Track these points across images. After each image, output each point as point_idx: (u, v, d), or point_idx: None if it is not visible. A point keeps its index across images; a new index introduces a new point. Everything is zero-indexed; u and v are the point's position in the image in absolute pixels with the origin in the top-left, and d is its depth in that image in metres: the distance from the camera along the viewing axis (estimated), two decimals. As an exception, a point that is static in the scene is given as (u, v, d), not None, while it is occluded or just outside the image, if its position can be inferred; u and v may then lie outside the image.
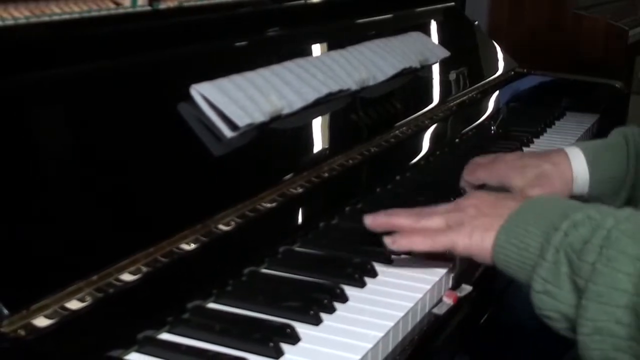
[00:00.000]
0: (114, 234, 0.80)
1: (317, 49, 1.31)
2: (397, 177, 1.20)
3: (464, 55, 1.72)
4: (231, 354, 0.71)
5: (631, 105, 2.24)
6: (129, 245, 0.79)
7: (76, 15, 0.91)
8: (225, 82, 1.03)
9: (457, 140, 1.45)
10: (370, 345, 0.74)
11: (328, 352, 0.73)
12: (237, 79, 1.05)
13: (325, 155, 1.13)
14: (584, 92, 1.83)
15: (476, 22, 1.94)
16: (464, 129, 1.50)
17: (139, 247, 0.79)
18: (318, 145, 1.17)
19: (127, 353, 0.71)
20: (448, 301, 0.88)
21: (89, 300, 0.72)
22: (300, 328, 0.75)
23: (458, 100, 1.57)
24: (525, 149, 1.43)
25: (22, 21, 0.85)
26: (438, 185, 1.21)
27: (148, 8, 1.01)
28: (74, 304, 0.71)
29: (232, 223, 0.91)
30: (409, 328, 0.82)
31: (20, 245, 0.72)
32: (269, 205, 0.97)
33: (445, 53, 1.56)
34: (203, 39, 1.10)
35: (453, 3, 1.86)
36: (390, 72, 1.33)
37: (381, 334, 0.76)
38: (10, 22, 0.84)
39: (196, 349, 0.72)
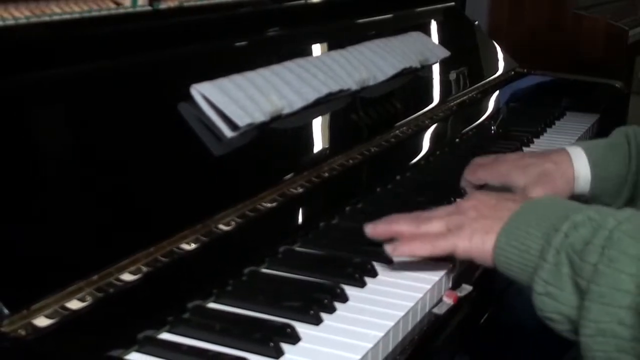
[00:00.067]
0: (114, 234, 0.80)
1: (317, 48, 1.31)
2: (398, 177, 1.20)
3: (464, 55, 1.72)
4: (231, 353, 0.71)
5: (631, 105, 2.24)
6: (129, 245, 0.79)
7: (76, 15, 0.91)
8: (225, 82, 1.03)
9: (457, 140, 1.45)
10: (370, 345, 0.74)
11: (328, 351, 0.73)
12: (238, 79, 1.05)
13: (326, 155, 1.13)
14: (584, 92, 1.83)
15: (476, 22, 1.94)
16: (464, 128, 1.50)
17: (139, 246, 0.79)
18: (318, 145, 1.17)
19: (128, 353, 0.71)
20: (448, 301, 0.88)
21: (89, 300, 0.72)
22: (301, 328, 0.75)
23: (458, 100, 1.57)
24: (525, 149, 1.43)
25: (23, 21, 0.85)
26: (438, 185, 1.21)
27: (148, 8, 1.01)
28: (74, 304, 0.71)
29: (233, 223, 0.91)
30: (409, 328, 0.82)
31: (21, 245, 0.72)
32: (269, 205, 0.97)
33: (445, 53, 1.56)
34: (203, 39, 1.10)
35: (453, 3, 1.86)
36: (391, 72, 1.33)
37: (381, 334, 0.76)
38: (10, 22, 0.84)
39: (196, 349, 0.72)
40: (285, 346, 0.72)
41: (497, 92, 1.75)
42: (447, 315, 0.86)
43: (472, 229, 0.85)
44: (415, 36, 1.52)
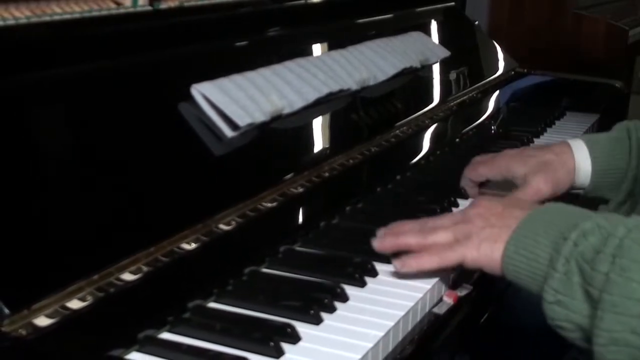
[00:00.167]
0: (115, 234, 0.80)
1: (317, 48, 1.31)
2: (398, 177, 1.21)
3: (464, 55, 1.72)
4: (232, 353, 0.71)
5: (631, 105, 2.24)
6: (129, 245, 0.79)
7: (77, 15, 0.91)
8: (226, 82, 1.03)
9: (457, 140, 1.45)
10: (370, 345, 0.74)
11: (328, 351, 0.73)
12: (238, 79, 1.05)
13: (326, 155, 1.13)
14: (584, 92, 1.83)
15: (476, 22, 1.94)
16: (464, 128, 1.50)
17: (139, 246, 0.80)
18: (319, 144, 1.17)
19: (128, 352, 0.71)
20: (448, 301, 0.88)
21: (89, 299, 0.72)
22: (301, 327, 0.75)
23: (458, 100, 1.57)
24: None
25: (23, 21, 0.85)
26: (438, 185, 1.21)
27: (149, 8, 1.01)
28: (74, 304, 0.71)
29: (233, 222, 0.91)
30: (409, 327, 0.82)
31: (21, 244, 0.72)
32: (269, 204, 0.97)
33: (445, 53, 1.56)
34: (204, 39, 1.10)
35: (453, 3, 1.86)
36: (391, 71, 1.33)
37: (381, 334, 0.76)
38: (11, 21, 0.84)
39: (197, 349, 0.72)
40: (285, 346, 0.72)
41: (497, 92, 1.75)
42: (447, 315, 0.86)
43: (479, 239, 0.85)
44: (415, 36, 1.52)
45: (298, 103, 1.10)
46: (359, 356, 0.72)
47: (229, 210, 0.91)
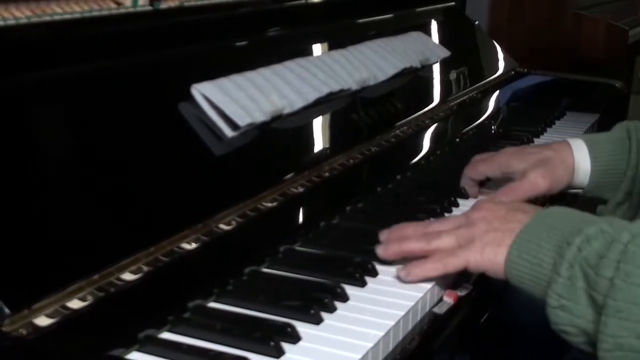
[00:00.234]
0: (115, 234, 0.80)
1: (317, 48, 1.31)
2: (398, 177, 1.21)
3: (465, 55, 1.72)
4: (232, 353, 0.71)
5: (631, 105, 2.24)
6: (130, 245, 0.79)
7: (77, 15, 0.91)
8: (226, 82, 1.03)
9: (457, 139, 1.45)
10: (370, 345, 0.74)
11: (329, 351, 0.73)
12: (238, 79, 1.05)
13: (326, 155, 1.13)
14: (584, 92, 1.83)
15: (476, 22, 1.94)
16: (464, 128, 1.50)
17: (140, 246, 0.80)
18: (319, 144, 1.17)
19: (128, 352, 0.71)
20: (448, 300, 0.88)
21: (90, 299, 0.72)
22: (301, 327, 0.75)
23: (458, 100, 1.57)
24: (525, 148, 1.44)
25: (24, 21, 0.86)
26: (439, 185, 1.21)
27: (149, 8, 1.01)
28: (75, 303, 0.71)
29: (233, 222, 0.91)
30: (410, 327, 0.82)
31: (22, 244, 0.72)
32: (269, 204, 0.97)
33: (445, 53, 1.57)
34: (204, 39, 1.10)
35: (453, 3, 1.86)
36: (391, 71, 1.33)
37: (382, 333, 0.76)
38: (11, 21, 0.84)
39: (197, 348, 0.72)
40: (285, 345, 0.72)
41: (497, 92, 1.75)
42: (447, 315, 0.86)
43: (483, 243, 0.85)
44: (415, 36, 1.52)
45: (298, 103, 1.10)
46: (359, 356, 0.72)
47: (229, 210, 0.91)
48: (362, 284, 0.86)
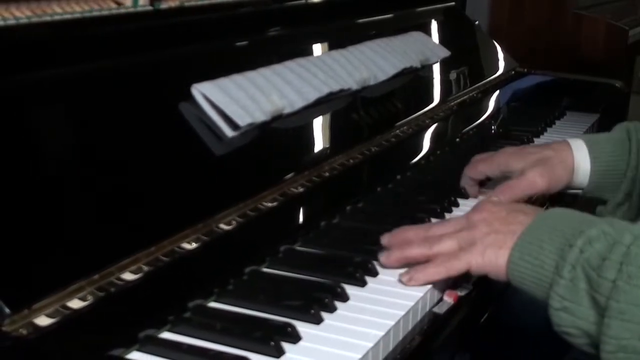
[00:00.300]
0: (116, 233, 0.80)
1: (318, 48, 1.32)
2: (398, 177, 1.21)
3: (465, 55, 1.72)
4: (232, 352, 0.71)
5: (631, 105, 2.24)
6: (130, 245, 0.79)
7: (78, 15, 0.91)
8: (226, 82, 1.03)
9: (457, 139, 1.45)
10: (371, 344, 0.74)
11: (329, 351, 0.73)
12: (238, 79, 1.05)
13: (326, 155, 1.13)
14: (584, 92, 1.83)
15: (476, 22, 1.94)
16: (464, 128, 1.50)
17: (140, 246, 0.80)
18: (319, 144, 1.17)
19: (129, 352, 0.71)
20: (449, 300, 0.88)
21: (90, 299, 0.72)
22: (301, 327, 0.75)
23: (459, 100, 1.57)
24: (525, 148, 1.44)
25: (24, 21, 0.86)
26: (439, 185, 1.21)
27: (149, 8, 1.01)
28: (75, 303, 0.71)
29: (234, 222, 0.91)
30: (410, 327, 0.82)
31: (22, 244, 0.72)
32: (270, 204, 0.97)
33: (445, 53, 1.57)
34: (204, 39, 1.10)
35: (453, 3, 1.86)
36: (391, 71, 1.33)
37: (382, 333, 0.76)
38: (12, 21, 0.84)
39: (197, 348, 0.72)
40: (286, 345, 0.72)
41: (497, 92, 1.75)
42: (447, 315, 0.86)
43: (484, 245, 0.85)
44: (415, 36, 1.52)
45: (298, 103, 1.10)
46: (360, 356, 0.72)
47: (230, 209, 0.91)
48: (363, 283, 0.86)
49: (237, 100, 1.01)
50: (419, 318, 0.84)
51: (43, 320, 0.69)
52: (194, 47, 1.08)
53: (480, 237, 0.86)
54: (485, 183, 1.18)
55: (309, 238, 0.97)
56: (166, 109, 0.97)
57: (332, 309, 0.80)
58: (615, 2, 2.98)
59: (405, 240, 0.90)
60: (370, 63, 1.31)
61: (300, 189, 1.03)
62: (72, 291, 0.72)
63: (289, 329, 0.74)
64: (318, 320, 0.77)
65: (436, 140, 1.41)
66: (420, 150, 1.34)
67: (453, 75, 1.59)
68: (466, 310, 0.89)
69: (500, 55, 1.90)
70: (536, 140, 1.51)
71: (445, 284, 0.89)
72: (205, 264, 0.84)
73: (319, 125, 1.18)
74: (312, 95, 1.12)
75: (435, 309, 0.86)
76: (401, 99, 1.40)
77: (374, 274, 0.88)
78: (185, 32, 1.08)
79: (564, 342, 0.80)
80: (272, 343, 0.71)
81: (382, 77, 1.31)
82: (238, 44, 1.18)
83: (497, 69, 1.83)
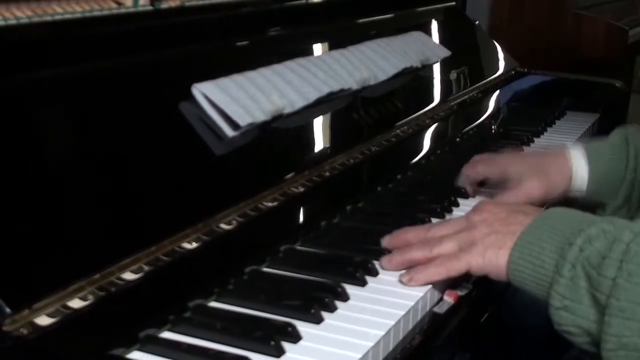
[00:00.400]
0: (116, 233, 0.80)
1: (318, 48, 1.32)
2: (398, 176, 1.21)
3: (465, 55, 1.72)
4: (232, 352, 0.71)
5: (631, 105, 2.24)
6: (130, 244, 0.79)
7: (78, 15, 0.91)
8: (226, 82, 1.03)
9: (457, 139, 1.45)
10: (371, 344, 0.74)
11: (329, 350, 0.73)
12: (239, 79, 1.05)
13: (327, 155, 1.13)
14: (584, 92, 1.83)
15: (477, 22, 1.94)
16: (464, 128, 1.50)
17: (140, 246, 0.80)
18: (319, 144, 1.17)
19: (129, 351, 0.71)
20: (449, 300, 0.88)
21: (91, 299, 0.72)
22: (302, 327, 0.75)
23: (459, 100, 1.57)
24: (525, 148, 1.44)
25: (25, 21, 0.86)
26: (439, 184, 1.21)
27: (150, 8, 1.01)
28: (76, 303, 0.71)
29: (234, 222, 0.91)
30: (410, 327, 0.82)
31: (22, 244, 0.72)
32: (270, 204, 0.97)
33: (446, 52, 1.57)
34: (204, 39, 1.11)
35: (454, 3, 1.86)
36: (391, 71, 1.33)
37: (382, 333, 0.76)
38: (12, 21, 0.84)
39: (198, 348, 0.72)
40: (286, 345, 0.72)
41: (497, 92, 1.75)
42: (447, 315, 0.86)
43: (484, 245, 0.85)
44: (416, 36, 1.53)
45: (299, 102, 1.10)
46: (360, 355, 0.72)
47: (230, 209, 0.91)
48: (363, 283, 0.86)
49: (238, 100, 1.01)
50: (419, 318, 0.84)
51: (44, 320, 0.69)
52: (194, 47, 1.08)
53: (480, 238, 0.86)
54: (484, 183, 1.18)
55: (309, 238, 0.97)
56: (167, 109, 0.97)
57: (332, 309, 0.80)
58: (615, 2, 2.98)
59: (406, 242, 0.90)
60: (370, 63, 1.31)
61: (301, 189, 1.03)
62: (73, 291, 0.72)
63: (290, 328, 0.74)
64: (318, 320, 0.77)
65: (436, 140, 1.41)
66: (421, 150, 1.34)
67: (453, 75, 1.59)
68: (466, 310, 0.89)
69: (501, 55, 1.90)
70: (536, 140, 1.51)
71: (445, 284, 0.89)
72: (206, 263, 0.84)
73: (319, 125, 1.18)
74: (313, 95, 1.12)
75: (436, 309, 0.86)
76: (401, 98, 1.40)
77: (374, 273, 0.88)
78: (186, 32, 1.08)
79: (564, 341, 0.80)
80: (273, 343, 0.72)
81: (382, 77, 1.31)
82: (238, 43, 1.18)
83: (497, 69, 1.83)
